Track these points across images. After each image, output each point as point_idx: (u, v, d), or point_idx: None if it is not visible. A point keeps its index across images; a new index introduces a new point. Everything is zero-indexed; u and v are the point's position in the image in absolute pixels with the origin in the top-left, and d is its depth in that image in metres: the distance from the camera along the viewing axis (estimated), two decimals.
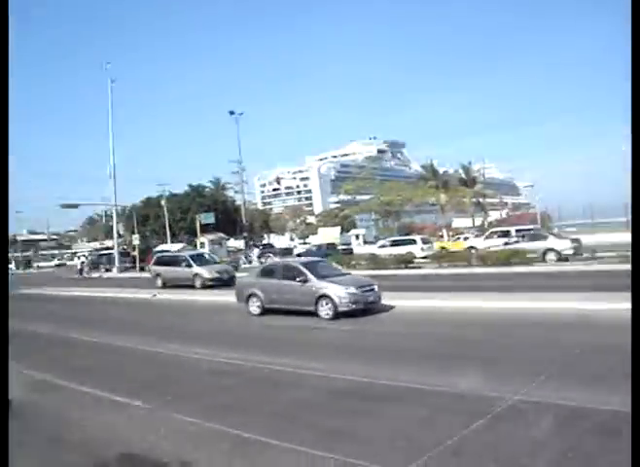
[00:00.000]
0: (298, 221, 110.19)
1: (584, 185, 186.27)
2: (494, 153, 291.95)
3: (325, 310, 14.95)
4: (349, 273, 18.76)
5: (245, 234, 60.68)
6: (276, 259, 42.93)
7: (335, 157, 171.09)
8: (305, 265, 16.47)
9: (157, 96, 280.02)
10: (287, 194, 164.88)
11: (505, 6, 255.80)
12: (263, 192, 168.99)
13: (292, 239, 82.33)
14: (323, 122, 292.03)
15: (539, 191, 76.46)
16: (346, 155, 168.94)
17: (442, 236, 56.32)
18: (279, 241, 76.43)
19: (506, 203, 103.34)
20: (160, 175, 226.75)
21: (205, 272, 27.41)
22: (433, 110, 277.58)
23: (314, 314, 15.05)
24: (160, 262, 30.81)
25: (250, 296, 16.92)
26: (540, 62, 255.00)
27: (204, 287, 26.52)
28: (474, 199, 68.37)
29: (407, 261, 32.06)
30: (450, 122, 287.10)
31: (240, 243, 59.99)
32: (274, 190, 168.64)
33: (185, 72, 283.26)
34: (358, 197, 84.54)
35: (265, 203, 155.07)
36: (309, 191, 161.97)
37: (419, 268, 31.57)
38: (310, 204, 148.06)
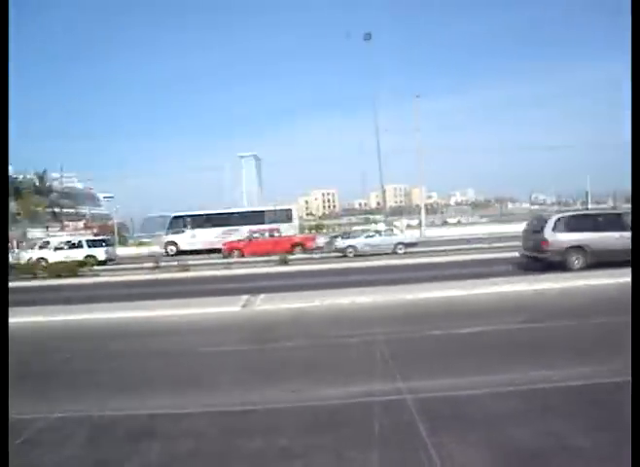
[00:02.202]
0: None
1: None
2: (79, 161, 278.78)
3: None
4: None
5: None
6: None
7: None
8: None
9: None
10: None
11: None
12: None
13: None
14: None
15: (117, 203, 78.51)
16: None
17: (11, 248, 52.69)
18: None
19: (84, 214, 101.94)
20: None
21: None
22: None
23: None
24: (576, 223, 17.28)
25: None
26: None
27: None
28: (49, 209, 66.32)
29: None
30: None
31: None
32: None
33: None
34: None
35: None
36: None
37: None
38: None
